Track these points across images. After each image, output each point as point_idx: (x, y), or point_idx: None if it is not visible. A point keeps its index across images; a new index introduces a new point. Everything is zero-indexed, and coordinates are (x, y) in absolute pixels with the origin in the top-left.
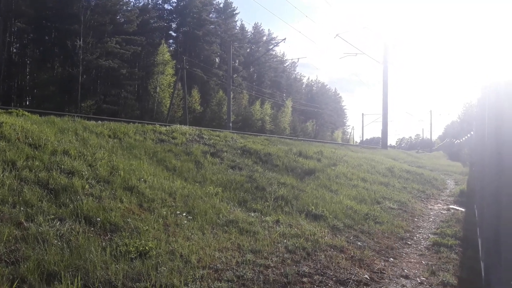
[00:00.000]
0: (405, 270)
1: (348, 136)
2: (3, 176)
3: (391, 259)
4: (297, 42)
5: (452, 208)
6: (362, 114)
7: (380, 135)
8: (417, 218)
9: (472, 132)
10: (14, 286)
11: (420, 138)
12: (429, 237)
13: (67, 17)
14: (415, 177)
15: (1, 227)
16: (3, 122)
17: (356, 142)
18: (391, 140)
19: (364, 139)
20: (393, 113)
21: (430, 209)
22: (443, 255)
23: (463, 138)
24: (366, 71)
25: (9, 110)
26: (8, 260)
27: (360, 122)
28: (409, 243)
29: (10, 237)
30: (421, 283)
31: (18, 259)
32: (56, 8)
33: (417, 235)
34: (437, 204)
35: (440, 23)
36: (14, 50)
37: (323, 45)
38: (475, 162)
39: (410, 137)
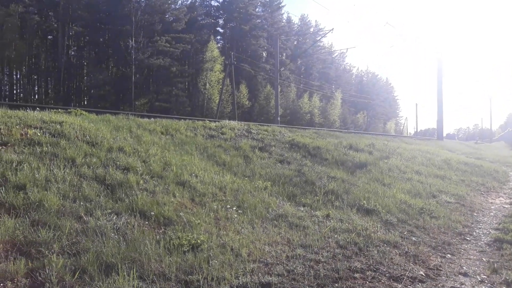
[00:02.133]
0: (464, 267)
1: (401, 128)
2: (64, 172)
3: (448, 255)
4: (345, 32)
5: None
6: (416, 104)
7: (435, 126)
8: (476, 213)
9: None
10: (76, 276)
11: (479, 128)
12: (490, 232)
13: (119, 18)
14: (474, 169)
15: (63, 220)
16: (63, 122)
17: (410, 133)
18: (448, 130)
19: (418, 130)
20: (449, 102)
21: (491, 203)
22: (506, 252)
23: None
24: (418, 59)
25: (68, 110)
26: (70, 252)
27: (414, 113)
28: (468, 238)
29: (72, 230)
30: (481, 281)
31: (79, 251)
32: (109, 10)
33: (477, 231)
34: (498, 197)
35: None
36: (72, 53)
37: (372, 34)
38: None
39: (468, 127)
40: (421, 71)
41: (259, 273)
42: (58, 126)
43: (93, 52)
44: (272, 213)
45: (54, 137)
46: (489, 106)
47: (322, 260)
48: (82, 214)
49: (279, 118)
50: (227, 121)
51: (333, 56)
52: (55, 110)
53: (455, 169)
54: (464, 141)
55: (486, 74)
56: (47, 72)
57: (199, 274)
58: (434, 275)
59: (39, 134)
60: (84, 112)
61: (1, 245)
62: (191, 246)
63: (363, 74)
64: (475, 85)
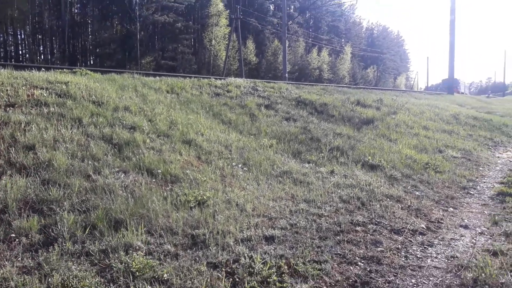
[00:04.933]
0: (465, 220)
1: (411, 82)
2: (71, 132)
3: (451, 209)
4: None
5: None
6: (427, 58)
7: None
8: (482, 167)
9: None
10: (86, 232)
11: (492, 82)
12: (494, 186)
13: None
14: (483, 123)
15: (73, 179)
16: (69, 82)
17: (421, 88)
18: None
19: (429, 85)
20: (461, 55)
21: (498, 157)
22: (508, 205)
23: None
24: (431, 11)
25: (74, 70)
26: (80, 209)
27: (425, 67)
28: (472, 192)
29: (81, 189)
30: (481, 233)
31: (89, 208)
32: None
33: (481, 185)
34: (506, 152)
35: None
36: (76, 11)
37: None
38: None
39: (480, 81)
40: (433, 22)
41: (263, 227)
42: (64, 87)
43: (97, 9)
44: (277, 170)
45: (61, 97)
46: (503, 59)
47: (325, 214)
48: (91, 173)
49: (287, 75)
50: (232, 78)
51: (343, 8)
52: (60, 70)
53: (463, 123)
54: (476, 95)
55: (501, 26)
56: (51, 31)
57: (205, 228)
58: (435, 228)
59: (45, 94)
60: (89, 72)
61: (15, 203)
62: (197, 202)
63: (373, 27)
64: (489, 37)
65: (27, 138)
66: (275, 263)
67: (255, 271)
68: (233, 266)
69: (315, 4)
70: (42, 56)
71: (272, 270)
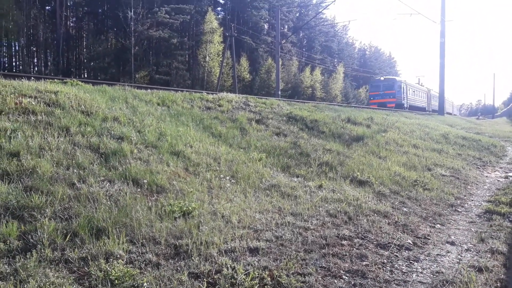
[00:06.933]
0: (452, 237)
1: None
2: (58, 141)
3: (438, 225)
4: (349, 5)
5: (511, 176)
6: (418, 79)
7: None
8: (470, 186)
9: None
10: (67, 239)
11: (482, 104)
12: (481, 204)
13: None
14: (472, 143)
15: (56, 187)
16: (58, 91)
17: None
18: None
19: None
20: (452, 78)
21: (486, 176)
22: (495, 223)
23: None
24: (422, 34)
25: (64, 80)
26: (62, 217)
27: None
28: (459, 210)
29: (64, 196)
30: (467, 250)
31: (71, 215)
32: None
33: (469, 203)
34: (494, 171)
35: None
36: (71, 24)
37: (376, 6)
38: None
39: (471, 103)
40: (423, 45)
41: (248, 239)
42: (53, 96)
43: (92, 24)
44: (265, 183)
45: (49, 106)
46: (492, 82)
47: (311, 227)
48: (75, 181)
49: (279, 92)
50: (224, 93)
51: (336, 29)
52: (51, 80)
53: (452, 143)
54: (466, 116)
55: (490, 50)
56: (46, 44)
57: (188, 239)
58: (421, 244)
59: (33, 103)
60: (80, 83)
61: None
62: (182, 213)
63: (366, 48)
64: (479, 61)
65: (12, 145)
66: (258, 274)
67: (237, 282)
68: (215, 276)
69: (308, 24)
70: (36, 68)
71: (255, 282)
